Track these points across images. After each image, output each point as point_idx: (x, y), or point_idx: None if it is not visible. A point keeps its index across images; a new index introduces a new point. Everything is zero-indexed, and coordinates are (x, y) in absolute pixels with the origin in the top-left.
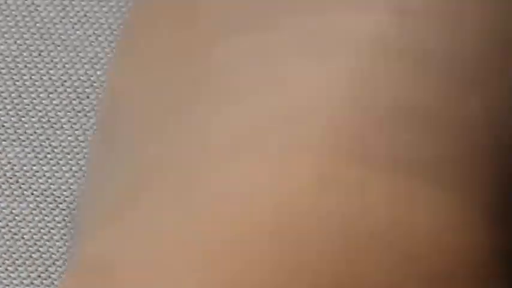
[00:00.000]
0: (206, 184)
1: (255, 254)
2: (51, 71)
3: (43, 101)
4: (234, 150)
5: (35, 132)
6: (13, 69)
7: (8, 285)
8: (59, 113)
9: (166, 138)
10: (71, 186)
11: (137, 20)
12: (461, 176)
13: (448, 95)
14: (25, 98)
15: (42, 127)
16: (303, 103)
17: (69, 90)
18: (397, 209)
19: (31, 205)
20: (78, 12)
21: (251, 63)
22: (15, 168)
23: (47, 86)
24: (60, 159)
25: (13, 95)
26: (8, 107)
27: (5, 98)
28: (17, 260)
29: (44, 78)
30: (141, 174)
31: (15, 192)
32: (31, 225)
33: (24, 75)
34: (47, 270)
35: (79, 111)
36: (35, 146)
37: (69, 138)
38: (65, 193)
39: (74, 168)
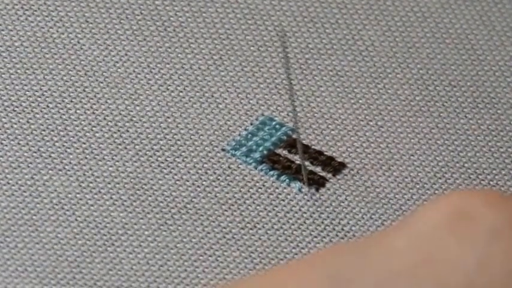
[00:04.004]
0: None
1: None
2: (94, 106)
3: (86, 134)
4: None
5: (79, 163)
6: (60, 103)
7: None
8: (101, 145)
9: None
10: (112, 214)
11: None
12: None
13: None
14: (70, 131)
15: (86, 158)
16: None
17: (110, 124)
18: None
19: (75, 230)
20: (119, 51)
21: None
22: (61, 195)
23: (90, 120)
24: (102, 188)
25: (59, 127)
26: (55, 139)
27: (52, 131)
28: (61, 280)
29: (88, 112)
30: None
31: (60, 218)
32: (74, 248)
33: (70, 109)
34: None
35: (119, 144)
36: (79, 176)
37: (110, 169)
38: (105, 220)
39: (114, 196)
